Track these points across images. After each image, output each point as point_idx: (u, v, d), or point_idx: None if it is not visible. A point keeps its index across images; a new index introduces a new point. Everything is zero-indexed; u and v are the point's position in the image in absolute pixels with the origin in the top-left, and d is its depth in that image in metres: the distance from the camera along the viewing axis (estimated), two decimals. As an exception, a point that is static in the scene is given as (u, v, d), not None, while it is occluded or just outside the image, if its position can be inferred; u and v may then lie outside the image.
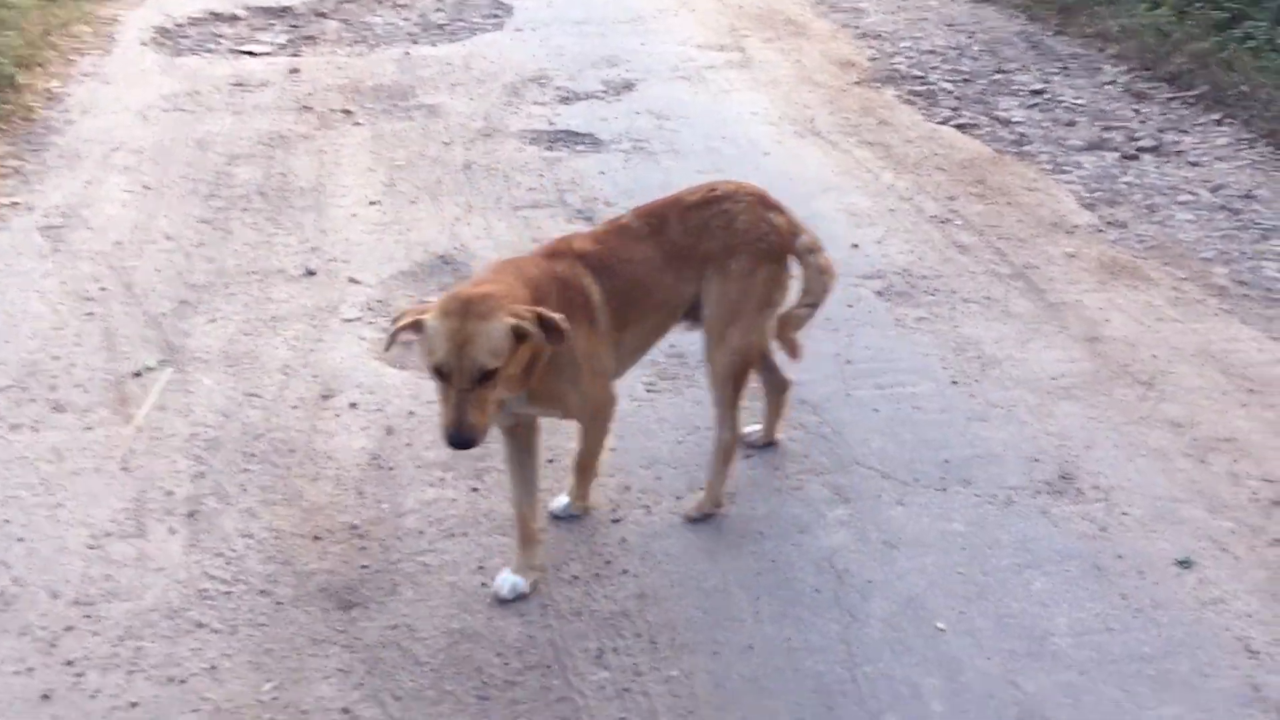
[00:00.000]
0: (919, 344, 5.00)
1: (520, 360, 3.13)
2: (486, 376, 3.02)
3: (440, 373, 3.04)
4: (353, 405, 4.54)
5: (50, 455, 4.21)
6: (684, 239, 3.69)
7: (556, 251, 3.59)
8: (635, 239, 3.67)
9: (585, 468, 3.84)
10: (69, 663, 3.33)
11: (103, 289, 5.32)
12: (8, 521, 3.87)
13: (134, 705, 3.20)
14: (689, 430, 4.37)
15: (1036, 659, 3.37)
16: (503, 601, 3.55)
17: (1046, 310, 5.27)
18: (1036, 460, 4.23)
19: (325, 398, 4.60)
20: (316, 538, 3.85)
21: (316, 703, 3.24)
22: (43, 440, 4.29)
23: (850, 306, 5.27)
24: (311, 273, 5.55)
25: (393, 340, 3.23)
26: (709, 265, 3.72)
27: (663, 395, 4.61)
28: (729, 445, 3.92)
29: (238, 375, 4.73)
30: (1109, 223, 6.21)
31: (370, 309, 5.24)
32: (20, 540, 3.79)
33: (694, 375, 4.69)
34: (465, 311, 3.03)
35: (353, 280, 5.49)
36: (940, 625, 3.50)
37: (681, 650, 3.44)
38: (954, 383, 4.71)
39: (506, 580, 3.60)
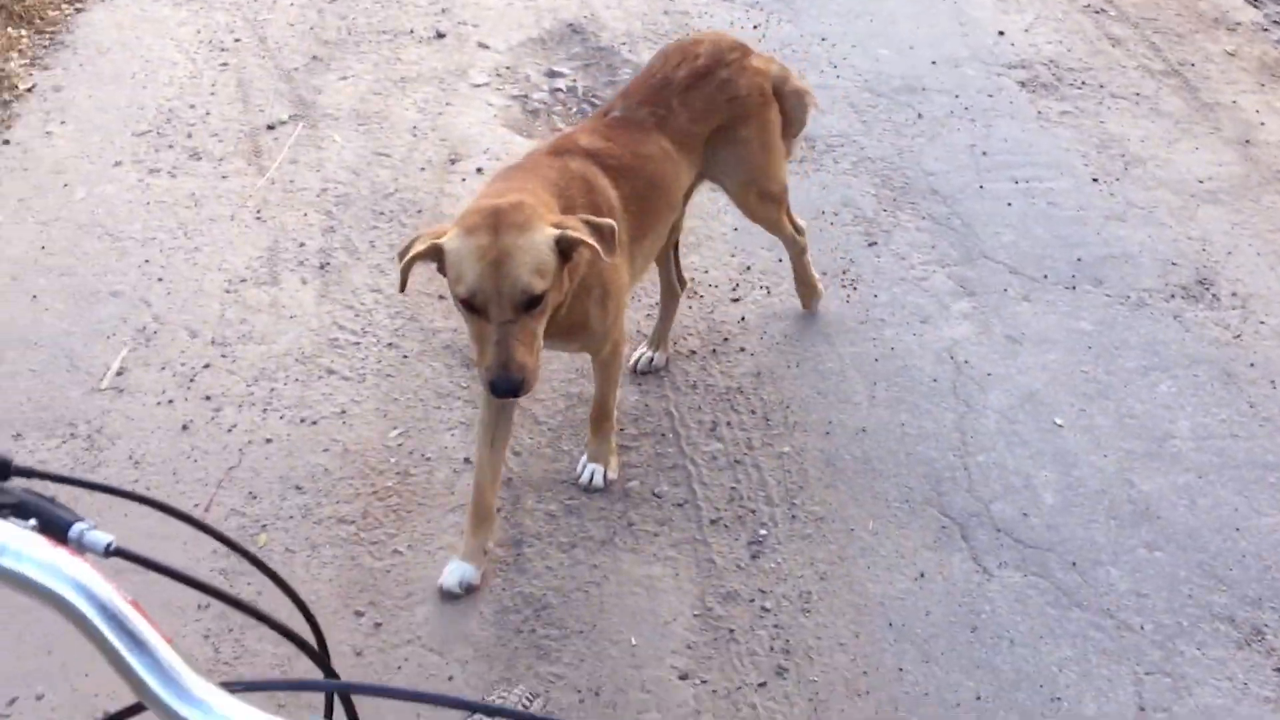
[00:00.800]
0: (1060, 138, 4.81)
1: (563, 285, 2.59)
2: (532, 303, 2.46)
3: (472, 304, 2.46)
4: (479, 170, 4.54)
5: (188, 201, 4.31)
6: (690, 124, 3.20)
7: (563, 149, 2.99)
8: (644, 132, 3.12)
9: (603, 415, 3.23)
10: (207, 398, 3.48)
11: (237, 40, 5.33)
12: (148, 261, 4.00)
13: (268, 441, 3.35)
14: (814, 214, 4.30)
15: (1155, 459, 3.34)
16: (451, 596, 2.94)
17: (1198, 110, 5.01)
18: (1174, 264, 4.10)
19: (453, 161, 4.60)
20: (441, 297, 3.92)
21: (440, 451, 3.35)
22: (180, 186, 4.38)
23: (990, 97, 5.07)
24: (441, 35, 5.48)
25: (405, 278, 2.58)
26: (716, 140, 3.30)
27: (790, 177, 4.53)
28: (803, 246, 3.74)
29: (367, 134, 4.75)
30: (1275, 21, 5.83)
31: (499, 75, 5.18)
32: (160, 280, 3.92)
33: (819, 159, 4.60)
34: (496, 224, 2.45)
35: (482, 45, 5.41)
36: (1058, 421, 3.48)
37: (794, 428, 3.48)
38: (1094, 180, 4.55)
39: (455, 571, 2.96)
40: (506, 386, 2.45)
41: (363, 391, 3.53)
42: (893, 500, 3.24)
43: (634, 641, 2.86)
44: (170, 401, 3.47)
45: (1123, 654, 2.82)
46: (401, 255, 2.58)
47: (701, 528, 3.16)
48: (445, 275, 2.54)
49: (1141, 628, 2.88)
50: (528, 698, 1.75)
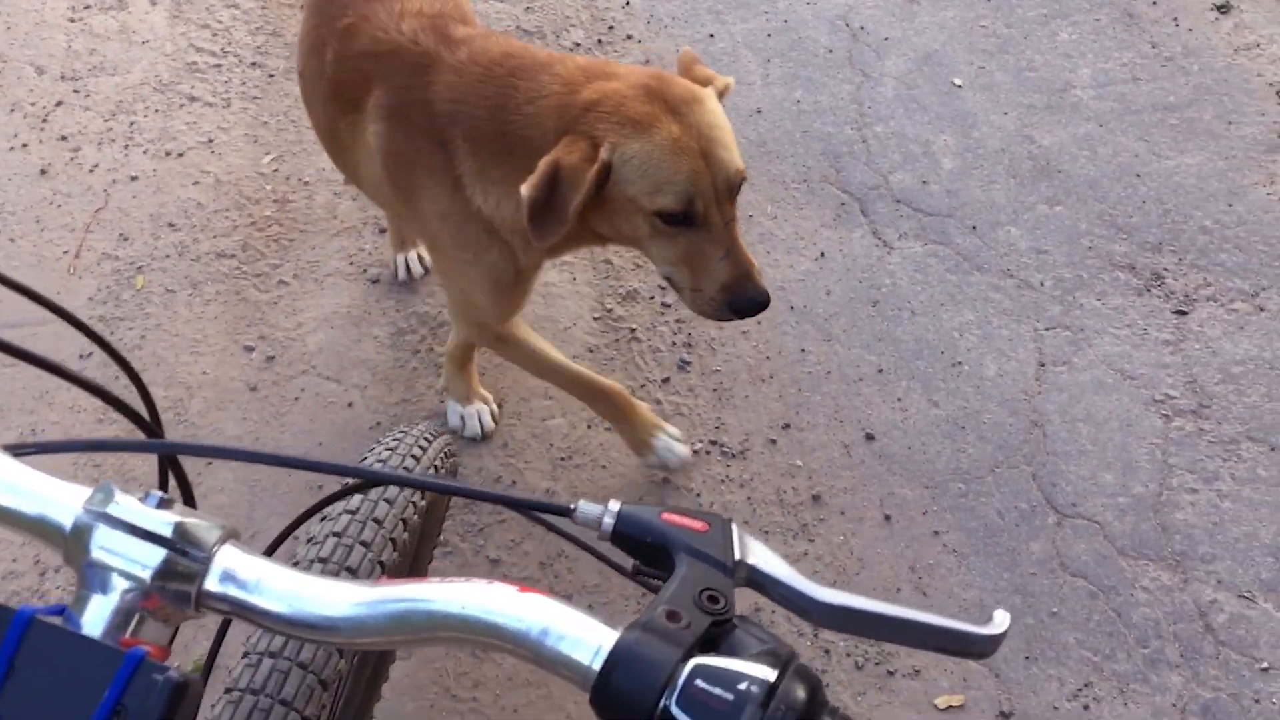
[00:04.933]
0: None
1: None
2: (739, 189, 1.91)
3: (689, 214, 1.84)
4: None
5: (14, -76, 3.93)
6: None
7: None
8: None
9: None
10: (63, 138, 3.26)
11: None
12: (-21, -4, 3.68)
13: (134, 179, 3.16)
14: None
15: (1055, 112, 3.25)
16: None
17: None
18: (1076, -99, 3.88)
19: None
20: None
21: (318, 174, 3.18)
22: (4, -92, 3.99)
23: None
24: None
25: (588, 194, 1.80)
26: None
27: None
28: None
29: None
30: None
31: None
32: (-5, 16, 3.62)
33: None
34: (668, 106, 1.83)
35: None
36: (957, 81, 3.35)
37: (688, 114, 3.33)
38: None
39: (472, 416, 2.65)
40: (757, 303, 1.88)
41: (229, 117, 3.32)
42: (790, 181, 3.15)
43: (534, 349, 2.81)
44: (24, 145, 3.24)
45: (1023, 312, 2.81)
46: (536, 206, 1.80)
47: (597, 227, 3.06)
48: (593, 196, 1.84)
49: (1042, 284, 2.86)
50: (428, 437, 1.66)
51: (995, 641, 0.76)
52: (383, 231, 3.04)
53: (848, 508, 2.50)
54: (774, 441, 2.63)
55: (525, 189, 1.80)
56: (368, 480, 0.93)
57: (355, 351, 2.80)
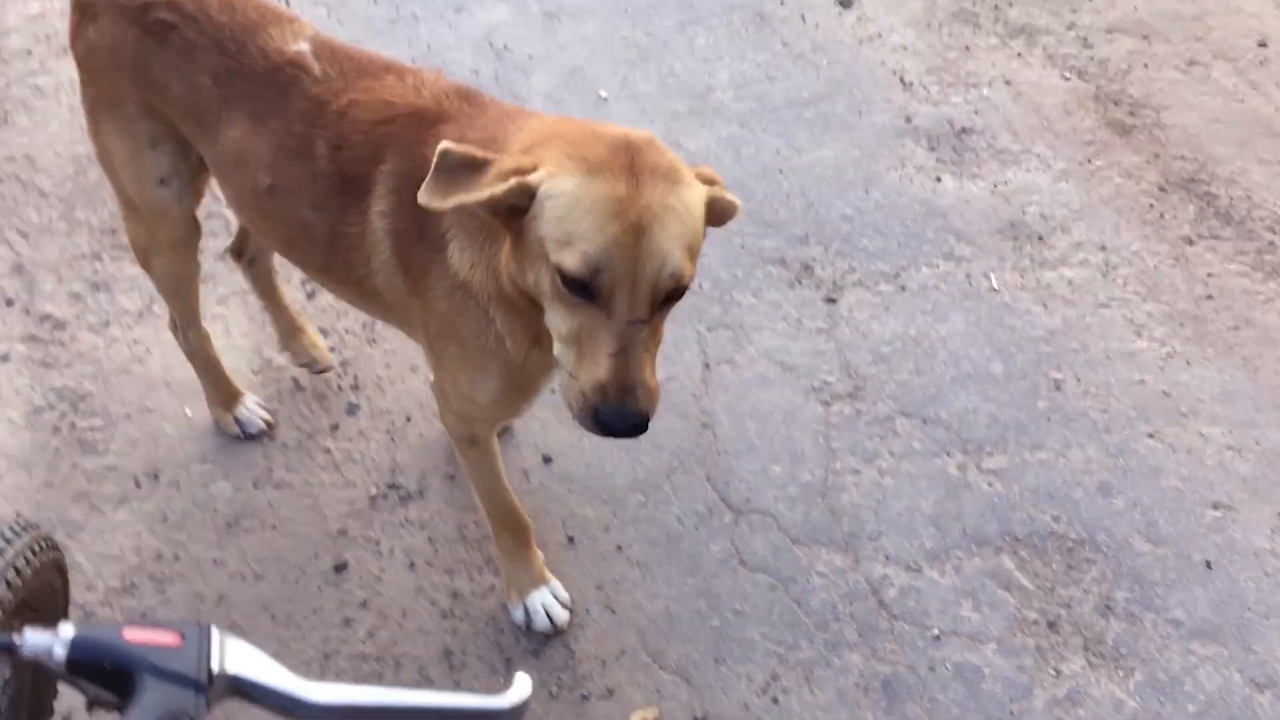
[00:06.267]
0: None
1: None
2: (675, 296, 1.60)
3: (588, 286, 1.55)
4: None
5: None
6: None
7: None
8: None
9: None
10: None
11: None
12: None
13: None
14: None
15: (699, 116, 3.32)
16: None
17: None
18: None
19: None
20: None
21: (-70, 250, 2.93)
22: None
23: None
24: None
25: (490, 201, 1.55)
26: None
27: None
28: None
29: None
30: None
31: None
32: None
33: None
34: (633, 165, 1.55)
35: None
36: (603, 94, 3.38)
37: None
38: None
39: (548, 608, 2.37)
40: (625, 424, 1.55)
41: None
42: (447, 207, 3.09)
43: (189, 414, 2.65)
44: None
45: (686, 316, 2.85)
46: (444, 170, 1.58)
47: (249, 276, 2.93)
48: (512, 229, 1.63)
49: (701, 286, 2.91)
50: (5, 537, 1.49)
51: (518, 712, 0.73)
52: (10, 303, 2.81)
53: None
54: (452, 477, 2.57)
55: (446, 143, 1.58)
56: None
57: (-14, 440, 2.58)
